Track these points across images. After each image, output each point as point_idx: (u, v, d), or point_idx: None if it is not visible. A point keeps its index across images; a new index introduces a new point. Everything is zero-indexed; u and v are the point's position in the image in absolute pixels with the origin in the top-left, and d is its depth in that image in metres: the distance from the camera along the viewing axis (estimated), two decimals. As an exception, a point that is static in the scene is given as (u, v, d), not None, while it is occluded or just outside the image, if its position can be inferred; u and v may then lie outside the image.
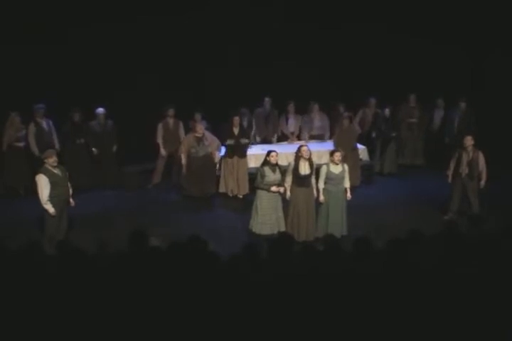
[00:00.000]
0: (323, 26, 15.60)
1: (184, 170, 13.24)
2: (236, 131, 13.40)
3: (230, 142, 13.33)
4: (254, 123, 14.69)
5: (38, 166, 10.43)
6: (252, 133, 14.56)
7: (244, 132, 13.63)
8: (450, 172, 12.09)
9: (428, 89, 15.40)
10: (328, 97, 15.11)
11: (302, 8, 15.48)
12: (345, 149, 12.77)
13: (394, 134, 15.03)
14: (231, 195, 13.50)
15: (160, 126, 14.09)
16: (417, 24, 15.76)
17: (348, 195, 10.98)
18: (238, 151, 13.42)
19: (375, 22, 15.66)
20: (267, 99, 14.98)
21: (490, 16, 15.78)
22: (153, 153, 14.28)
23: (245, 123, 14.11)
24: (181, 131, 14.24)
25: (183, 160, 13.16)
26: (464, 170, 11.87)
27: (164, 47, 14.76)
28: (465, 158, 11.87)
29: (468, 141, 11.84)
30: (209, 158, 13.30)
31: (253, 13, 15.09)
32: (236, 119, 13.45)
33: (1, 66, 13.61)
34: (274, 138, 15.18)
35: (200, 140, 13.12)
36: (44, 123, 13.63)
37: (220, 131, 13.64)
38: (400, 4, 15.71)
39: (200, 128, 13.16)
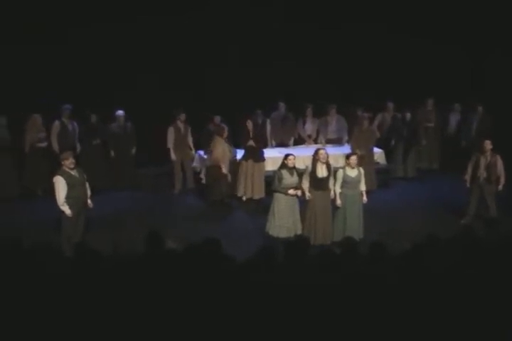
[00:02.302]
0: (334, 27, 15.67)
1: (229, 176, 13.01)
2: (251, 134, 13.39)
3: (248, 144, 13.34)
4: (268, 125, 14.62)
5: (57, 167, 10.45)
6: (268, 135, 14.53)
7: (260, 135, 13.63)
8: (468, 177, 12.03)
9: (444, 93, 15.34)
10: (345, 101, 15.08)
11: (311, 8, 15.53)
12: (363, 150, 12.77)
13: (415, 139, 15.00)
14: (245, 199, 13.49)
15: (171, 131, 13.97)
16: (433, 27, 15.80)
17: (364, 198, 10.95)
18: (253, 155, 13.41)
19: (391, 25, 15.67)
20: (281, 104, 14.99)
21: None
22: (164, 156, 14.31)
23: (259, 126, 14.01)
24: (190, 136, 14.24)
25: (225, 169, 12.80)
26: (482, 174, 11.81)
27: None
28: (483, 162, 11.81)
29: (488, 145, 11.78)
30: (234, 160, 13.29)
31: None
32: (249, 123, 13.46)
33: (22, 68, 13.70)
34: (291, 142, 15.16)
35: (228, 143, 13.06)
36: (69, 124, 13.73)
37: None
38: (411, 6, 15.73)
39: (227, 131, 13.05)
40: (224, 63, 15.30)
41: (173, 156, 14.01)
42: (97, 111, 13.92)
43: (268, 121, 14.53)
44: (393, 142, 14.96)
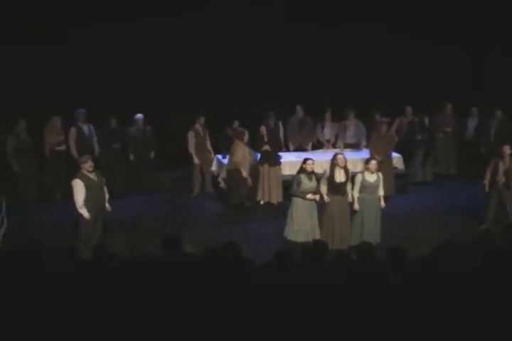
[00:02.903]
0: (354, 30, 15.68)
1: (249, 180, 13.00)
2: (266, 139, 13.39)
3: (264, 149, 13.34)
4: (281, 127, 14.60)
5: (75, 170, 10.49)
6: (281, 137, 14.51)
7: (274, 139, 13.64)
8: (487, 182, 11.96)
9: (462, 98, 15.28)
10: (363, 105, 15.04)
11: (325, 9, 15.56)
12: (381, 155, 12.73)
13: (432, 145, 14.93)
14: (263, 203, 13.49)
15: (191, 135, 13.95)
16: (454, 30, 15.78)
17: (382, 203, 10.93)
18: (269, 159, 13.40)
19: (411, 30, 15.65)
20: (299, 107, 15.00)
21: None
22: (181, 159, 14.37)
23: (273, 129, 13.97)
24: (208, 140, 14.24)
25: (245, 173, 12.85)
26: (501, 179, 11.74)
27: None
28: (502, 167, 11.74)
29: (507, 149, 11.70)
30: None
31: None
32: (263, 128, 13.49)
33: (39, 71, 13.78)
34: (309, 146, 15.15)
35: (248, 146, 13.06)
36: (85, 128, 13.78)
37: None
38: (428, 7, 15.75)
39: (247, 135, 13.08)
40: (238, 65, 15.35)
41: (196, 160, 13.99)
42: (116, 114, 13.95)
43: (280, 124, 14.50)
44: (411, 147, 14.87)
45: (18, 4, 13.67)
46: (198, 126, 14.02)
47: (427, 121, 14.85)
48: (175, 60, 14.89)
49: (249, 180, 12.97)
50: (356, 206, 10.76)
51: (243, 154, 12.80)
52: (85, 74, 14.07)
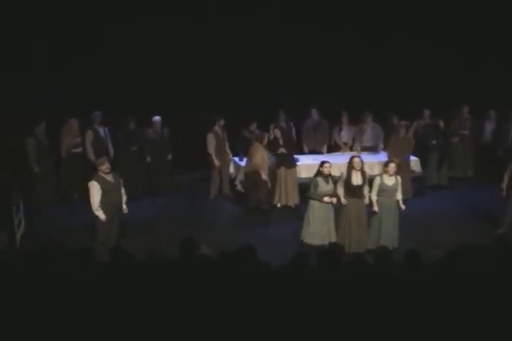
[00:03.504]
0: (377, 36, 15.64)
1: (268, 183, 12.97)
2: (281, 141, 13.36)
3: (280, 152, 13.31)
4: (293, 127, 14.68)
5: (92, 172, 10.53)
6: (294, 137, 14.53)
7: (289, 141, 13.61)
8: (504, 185, 11.90)
9: (479, 100, 15.21)
10: (380, 108, 15.02)
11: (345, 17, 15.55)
12: (399, 158, 12.69)
13: (447, 148, 14.84)
14: (280, 206, 13.47)
15: (211, 137, 13.91)
16: (468, 33, 15.75)
17: (402, 205, 10.88)
18: (285, 162, 13.36)
19: (428, 35, 15.63)
20: (314, 110, 15.02)
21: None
22: (198, 161, 14.39)
23: (286, 130, 14.00)
24: (227, 142, 14.24)
25: (264, 176, 12.81)
26: (519, 182, 11.71)
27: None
28: (520, 171, 11.71)
29: None
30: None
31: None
32: (277, 131, 13.46)
33: (58, 74, 13.85)
34: (324, 149, 15.17)
35: (267, 150, 13.03)
36: (101, 130, 13.83)
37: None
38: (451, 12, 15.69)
39: (266, 138, 13.08)
40: (253, 66, 15.31)
41: (216, 162, 13.96)
42: (134, 116, 13.99)
43: (292, 124, 14.63)
44: (426, 151, 14.79)
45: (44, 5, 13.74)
46: (217, 128, 14.00)
47: (442, 124, 14.73)
48: (191, 61, 14.88)
49: (269, 183, 12.96)
50: (375, 208, 10.72)
51: (262, 157, 12.78)
52: (103, 76, 14.07)
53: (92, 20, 13.93)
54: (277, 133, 13.44)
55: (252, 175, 12.94)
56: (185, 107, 14.56)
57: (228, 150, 14.24)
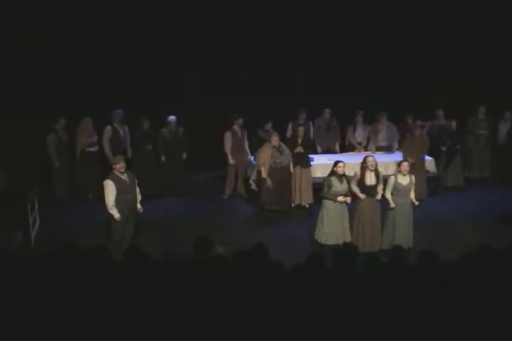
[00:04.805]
0: (389, 33, 15.57)
1: (269, 182, 12.85)
2: (300, 140, 13.32)
3: (296, 151, 13.27)
4: (311, 127, 14.71)
5: (107, 171, 10.55)
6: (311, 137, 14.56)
7: (308, 140, 13.62)
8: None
9: (496, 101, 15.13)
10: (395, 108, 14.96)
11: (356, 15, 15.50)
12: (414, 158, 12.64)
13: (459, 147, 14.72)
14: (294, 205, 13.43)
15: (228, 135, 13.91)
16: (482, 33, 15.68)
17: (415, 201, 10.83)
18: (301, 161, 13.32)
19: (443, 34, 15.56)
20: (327, 110, 15.03)
21: None
22: (214, 160, 14.40)
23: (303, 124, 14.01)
24: (246, 141, 14.22)
25: (264, 174, 12.81)
26: (535, 183, 11.66)
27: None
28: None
29: None
30: (288, 168, 13.03)
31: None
32: (301, 130, 13.39)
33: (73, 72, 13.89)
34: (337, 148, 15.19)
35: (279, 150, 12.87)
36: (121, 129, 13.84)
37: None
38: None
39: (276, 138, 12.93)
40: (268, 66, 15.29)
41: (231, 161, 13.97)
42: (149, 116, 14.02)
43: (310, 124, 14.69)
44: (438, 153, 14.70)
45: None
46: (235, 127, 14.00)
47: (454, 125, 14.61)
48: (208, 61, 14.87)
49: (269, 182, 12.90)
50: (392, 205, 10.66)
51: (266, 156, 12.80)
52: (119, 76, 14.07)
53: (108, 19, 13.95)
54: (301, 131, 13.36)
55: (259, 174, 13.01)
56: (201, 107, 14.57)
57: (247, 150, 14.20)
